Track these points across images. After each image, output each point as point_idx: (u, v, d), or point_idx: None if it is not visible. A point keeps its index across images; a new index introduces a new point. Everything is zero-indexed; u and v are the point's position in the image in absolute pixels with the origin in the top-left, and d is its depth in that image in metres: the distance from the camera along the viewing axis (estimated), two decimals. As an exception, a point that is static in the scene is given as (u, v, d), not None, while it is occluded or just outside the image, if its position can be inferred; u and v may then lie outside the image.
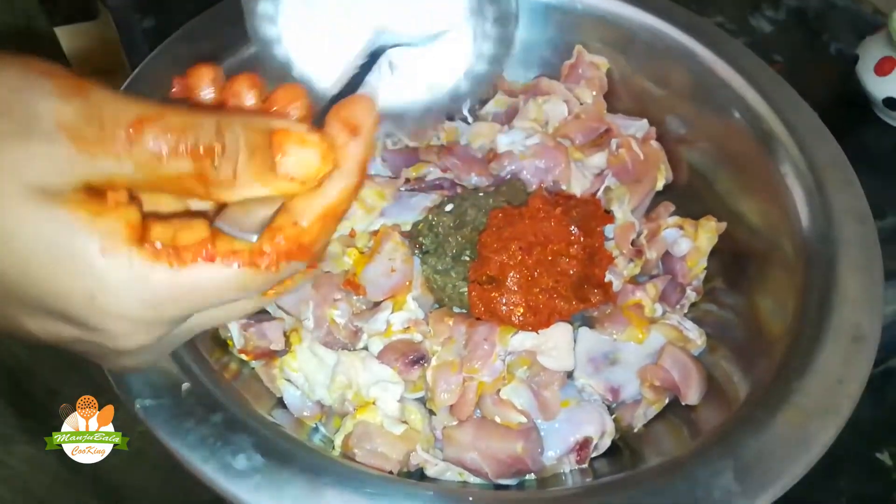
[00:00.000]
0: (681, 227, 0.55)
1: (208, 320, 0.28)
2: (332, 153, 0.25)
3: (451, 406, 0.45)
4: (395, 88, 0.33)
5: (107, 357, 0.27)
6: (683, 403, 0.47)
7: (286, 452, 0.36)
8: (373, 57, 0.32)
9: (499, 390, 0.45)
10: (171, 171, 0.23)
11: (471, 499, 0.36)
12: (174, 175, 0.23)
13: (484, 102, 0.64)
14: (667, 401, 0.49)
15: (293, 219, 0.25)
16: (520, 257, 0.46)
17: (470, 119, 0.65)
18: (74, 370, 0.53)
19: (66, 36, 0.67)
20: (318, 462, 0.36)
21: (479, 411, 0.46)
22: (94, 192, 0.23)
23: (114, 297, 0.23)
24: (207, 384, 0.39)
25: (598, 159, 0.56)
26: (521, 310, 0.45)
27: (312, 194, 0.26)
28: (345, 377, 0.45)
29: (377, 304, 0.49)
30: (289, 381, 0.47)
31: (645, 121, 0.60)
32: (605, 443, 0.47)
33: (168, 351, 0.29)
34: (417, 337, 0.47)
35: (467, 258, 0.48)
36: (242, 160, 0.24)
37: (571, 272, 0.47)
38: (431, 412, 0.46)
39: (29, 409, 0.49)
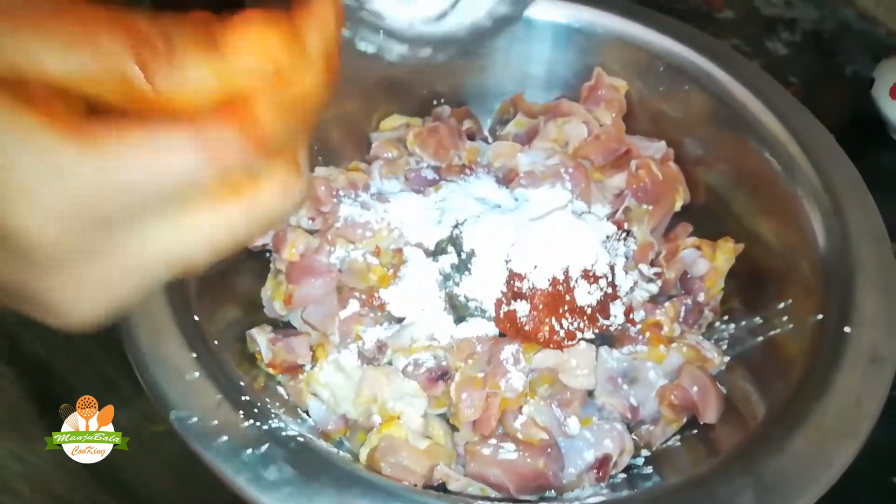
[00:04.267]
0: (699, 248, 0.55)
1: (166, 243, 0.21)
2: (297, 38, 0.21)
3: (474, 422, 0.46)
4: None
5: (33, 287, 0.21)
6: (701, 422, 0.48)
7: (316, 464, 0.37)
8: None
9: (521, 407, 0.46)
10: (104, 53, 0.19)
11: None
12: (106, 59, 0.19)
13: (504, 123, 0.65)
14: (685, 420, 0.50)
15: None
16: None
17: (490, 139, 0.66)
18: (88, 365, 0.53)
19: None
20: (347, 474, 0.37)
21: (500, 428, 0.47)
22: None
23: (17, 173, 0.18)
24: (239, 397, 0.40)
25: (618, 180, 0.57)
26: (548, 328, 0.46)
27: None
28: (370, 392, 0.46)
29: (401, 321, 0.50)
30: (314, 394, 0.48)
31: (663, 142, 0.61)
32: (624, 460, 0.47)
33: (122, 286, 0.22)
34: (440, 353, 0.48)
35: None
36: (182, 41, 0.19)
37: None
38: (454, 428, 0.47)
39: (50, 406, 0.50)
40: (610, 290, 0.49)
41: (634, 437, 0.49)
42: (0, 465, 0.45)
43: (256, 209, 0.22)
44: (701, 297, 0.54)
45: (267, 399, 0.43)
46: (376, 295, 0.50)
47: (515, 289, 0.47)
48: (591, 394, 0.49)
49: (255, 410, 0.40)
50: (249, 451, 0.37)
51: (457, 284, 0.50)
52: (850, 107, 0.80)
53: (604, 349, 0.50)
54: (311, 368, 0.49)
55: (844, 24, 0.90)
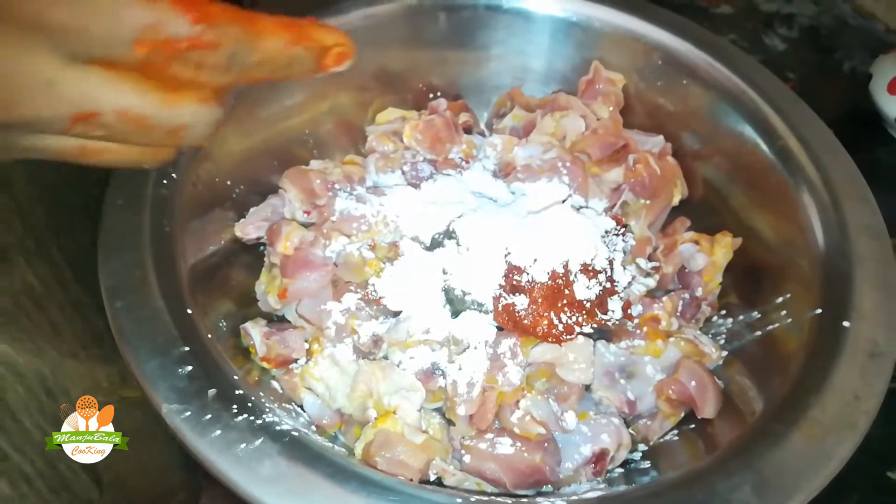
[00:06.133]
0: (697, 242, 0.55)
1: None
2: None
3: (471, 416, 0.45)
4: None
5: None
6: (699, 417, 0.48)
7: (312, 459, 0.37)
8: None
9: (518, 401, 0.46)
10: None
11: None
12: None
13: (501, 117, 0.65)
14: (682, 414, 0.50)
15: None
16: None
17: (487, 133, 0.66)
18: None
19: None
20: (342, 469, 0.37)
21: (497, 422, 0.47)
22: None
23: None
24: (233, 391, 0.39)
25: (616, 174, 0.57)
26: (546, 322, 0.45)
27: None
28: (365, 386, 0.46)
29: (397, 314, 0.49)
30: (309, 389, 0.48)
31: (661, 137, 0.61)
32: (622, 455, 0.47)
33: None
34: (437, 347, 0.47)
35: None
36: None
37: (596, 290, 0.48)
38: (450, 422, 0.47)
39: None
40: (608, 285, 0.49)
41: (632, 431, 0.48)
42: None
43: (169, 108, 0.28)
44: (699, 292, 0.54)
45: (261, 393, 0.42)
46: (372, 289, 0.49)
47: (514, 282, 0.47)
48: (588, 388, 0.49)
49: (249, 405, 0.39)
50: (243, 445, 0.37)
51: (453, 278, 0.49)
52: (848, 102, 0.80)
53: (601, 343, 0.49)
54: (306, 363, 0.48)
55: (842, 19, 0.90)
